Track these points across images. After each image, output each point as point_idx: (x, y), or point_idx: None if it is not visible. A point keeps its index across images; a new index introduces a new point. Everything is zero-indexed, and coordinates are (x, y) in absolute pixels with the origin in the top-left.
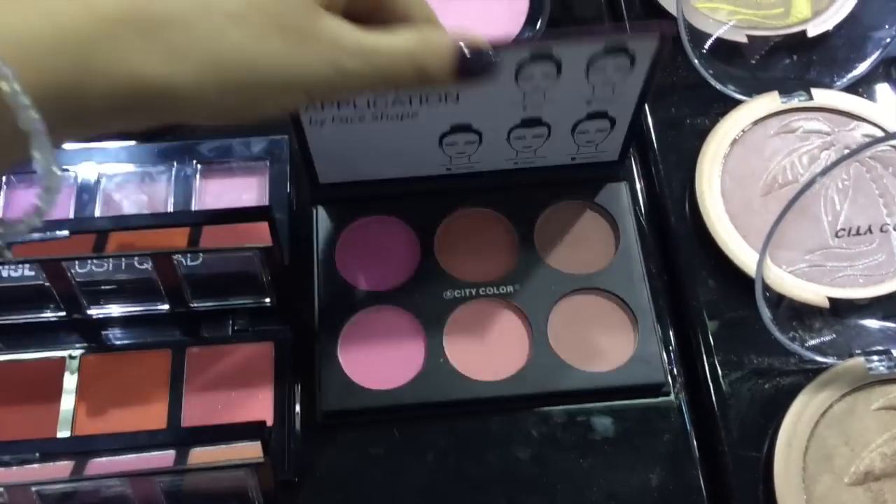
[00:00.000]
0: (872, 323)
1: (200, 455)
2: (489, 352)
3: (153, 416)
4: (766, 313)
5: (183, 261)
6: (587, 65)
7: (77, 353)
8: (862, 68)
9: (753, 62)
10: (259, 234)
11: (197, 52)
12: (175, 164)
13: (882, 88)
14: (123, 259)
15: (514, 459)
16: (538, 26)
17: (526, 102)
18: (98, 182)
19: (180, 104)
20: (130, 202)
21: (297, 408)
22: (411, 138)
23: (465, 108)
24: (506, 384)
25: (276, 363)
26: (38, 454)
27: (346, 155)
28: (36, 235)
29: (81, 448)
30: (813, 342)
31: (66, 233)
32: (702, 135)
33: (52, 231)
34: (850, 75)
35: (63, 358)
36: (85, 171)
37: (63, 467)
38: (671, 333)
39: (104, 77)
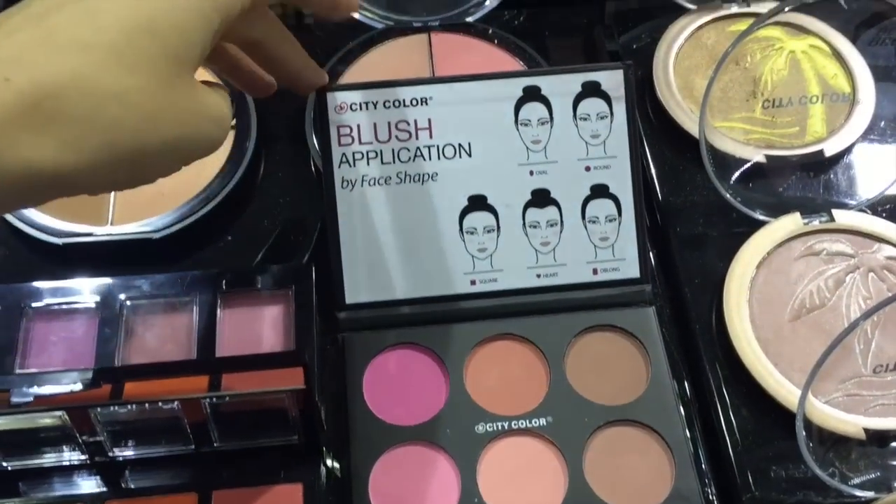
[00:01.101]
0: None
1: None
2: (525, 490)
3: None
4: (806, 452)
5: (209, 401)
6: (573, 107)
7: (100, 498)
8: (881, 188)
9: (772, 182)
10: (290, 376)
11: (90, 140)
12: (198, 293)
13: None
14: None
15: None
16: None
17: (531, 162)
18: (120, 314)
19: (73, 184)
20: (153, 335)
21: None
22: (435, 213)
23: (479, 172)
24: None
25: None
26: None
27: (375, 253)
28: (66, 387)
29: None
30: (852, 476)
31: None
32: (725, 255)
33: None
34: (870, 195)
35: None
36: (107, 304)
37: None
38: (707, 466)
39: (1, 170)
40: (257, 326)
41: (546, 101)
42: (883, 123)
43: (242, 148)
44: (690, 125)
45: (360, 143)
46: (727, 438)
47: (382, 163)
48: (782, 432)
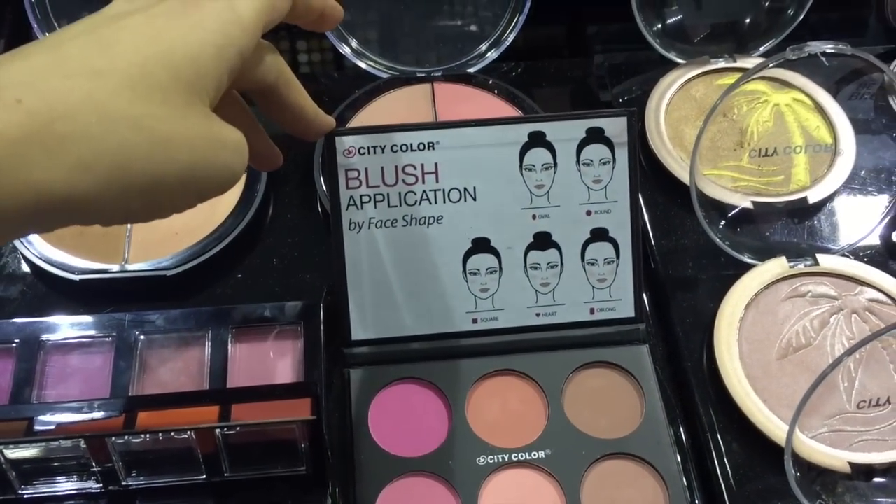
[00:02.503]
0: (893, 485)
1: None
2: None
3: None
4: (794, 483)
5: (221, 431)
6: (577, 153)
7: None
8: (862, 233)
9: (759, 227)
10: (299, 407)
11: (102, 163)
12: (210, 329)
13: (882, 252)
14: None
15: None
16: None
17: (534, 206)
18: (135, 348)
19: (86, 210)
20: (167, 368)
21: None
22: (439, 255)
23: (483, 214)
24: None
25: None
26: None
27: (380, 293)
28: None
29: None
30: None
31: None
32: (715, 296)
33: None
34: (852, 240)
35: None
36: (122, 338)
37: None
38: (699, 499)
39: (10, 193)
40: (267, 360)
41: (550, 147)
42: (863, 173)
43: (253, 190)
44: (681, 172)
45: (368, 186)
46: (719, 472)
47: (389, 206)
48: (771, 466)
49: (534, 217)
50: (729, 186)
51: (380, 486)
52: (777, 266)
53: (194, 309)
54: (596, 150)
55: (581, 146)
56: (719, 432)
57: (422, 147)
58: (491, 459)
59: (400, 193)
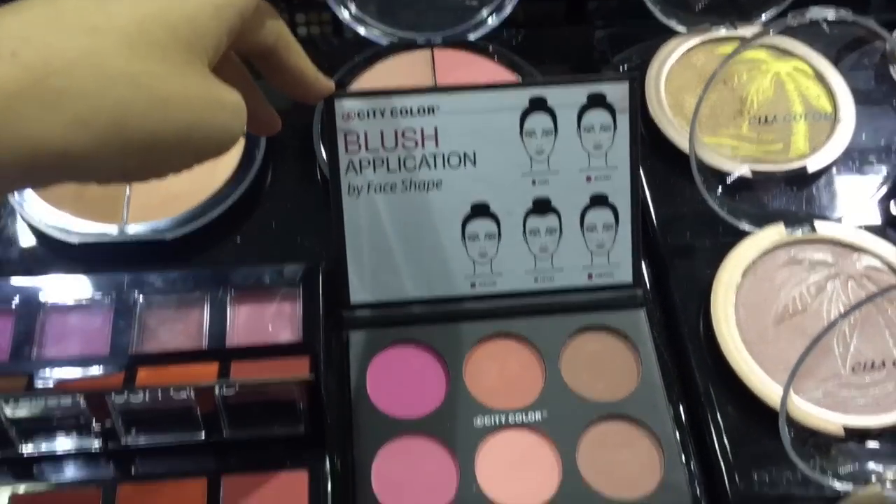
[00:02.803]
0: (886, 450)
1: None
2: (521, 480)
3: None
4: (788, 444)
5: (220, 391)
6: (578, 119)
7: (113, 483)
8: (861, 202)
9: (758, 195)
10: (297, 367)
11: (99, 119)
12: (210, 291)
13: (880, 220)
14: (160, 390)
15: None
16: None
17: (533, 172)
18: (134, 309)
19: (82, 167)
20: (166, 329)
21: None
22: (438, 220)
23: (482, 180)
24: None
25: (311, 490)
26: None
27: (379, 257)
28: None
29: None
30: (831, 469)
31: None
32: (712, 261)
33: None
34: (850, 208)
35: (99, 487)
36: (121, 298)
37: None
38: (694, 459)
39: (5, 147)
40: (266, 323)
41: (551, 112)
42: (863, 142)
43: (252, 155)
44: (681, 141)
45: (367, 150)
46: (714, 434)
47: (388, 170)
48: (766, 429)
49: (533, 183)
50: (728, 154)
51: (377, 446)
52: (775, 233)
53: (193, 271)
54: (597, 116)
55: (582, 112)
56: (715, 396)
57: (422, 111)
58: (488, 421)
59: (399, 158)
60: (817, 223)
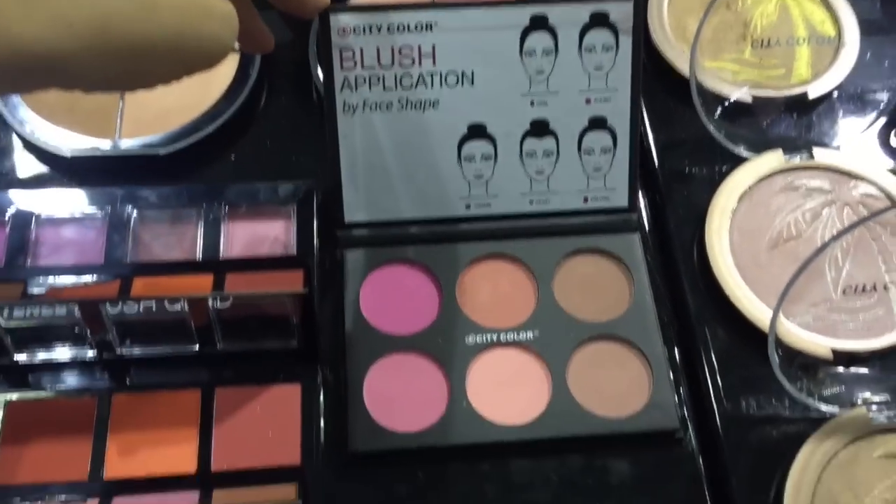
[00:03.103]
0: (874, 374)
1: (235, 496)
2: (510, 396)
3: (183, 454)
4: (776, 365)
5: (214, 303)
6: (579, 38)
7: (108, 392)
8: (861, 129)
9: (758, 120)
10: (291, 280)
11: (82, 18)
12: (203, 206)
13: (879, 148)
14: (154, 301)
15: (534, 502)
16: None
17: (532, 92)
18: (128, 223)
19: (65, 70)
20: (160, 243)
21: (324, 448)
22: (434, 140)
23: (480, 100)
24: (526, 428)
25: (304, 404)
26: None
27: (374, 176)
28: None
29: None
30: (818, 392)
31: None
32: (709, 188)
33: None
34: (849, 136)
35: (94, 396)
36: (115, 212)
37: None
38: (683, 381)
39: None
40: (260, 239)
41: (552, 31)
42: (866, 70)
43: (247, 72)
44: (682, 65)
45: (363, 67)
46: (703, 356)
47: (384, 88)
48: (756, 352)
49: (532, 104)
50: (729, 79)
51: (370, 362)
52: (773, 159)
53: (187, 186)
54: (599, 36)
55: (584, 31)
56: (706, 319)
57: (419, 28)
58: (480, 339)
59: (396, 75)
60: (815, 150)
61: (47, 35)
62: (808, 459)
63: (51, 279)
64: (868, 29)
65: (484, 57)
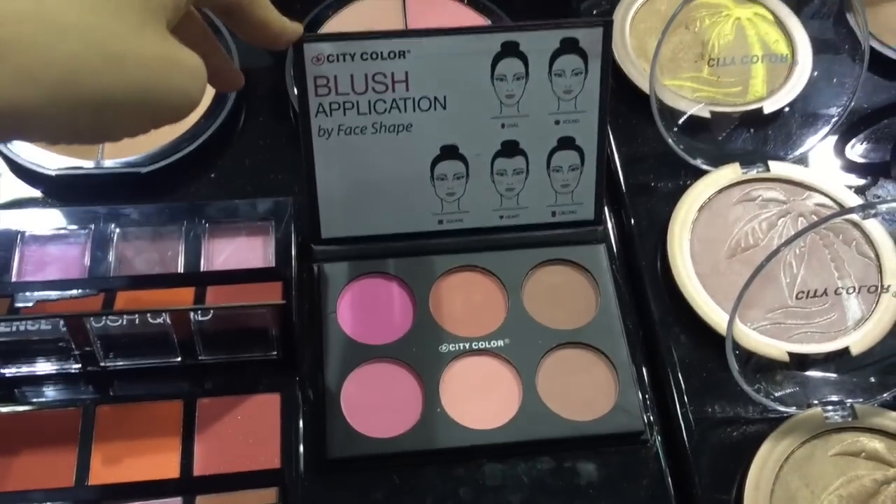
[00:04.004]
0: (828, 376)
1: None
2: (482, 402)
3: (166, 463)
4: (735, 368)
5: (195, 316)
6: (550, 63)
7: (92, 403)
8: (813, 142)
9: (716, 136)
10: (270, 292)
11: (48, 75)
12: (185, 223)
13: (831, 161)
14: (137, 315)
15: (507, 502)
16: None
17: (503, 115)
18: (111, 240)
19: (31, 124)
20: (142, 259)
21: (303, 455)
22: (407, 161)
23: (452, 123)
24: (498, 432)
25: (283, 412)
26: None
27: (349, 196)
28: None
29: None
30: (776, 394)
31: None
32: (670, 200)
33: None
34: (803, 149)
35: (79, 408)
36: (98, 230)
37: None
38: (648, 385)
39: None
40: (240, 255)
41: (523, 57)
42: (818, 87)
43: (225, 94)
44: (644, 84)
45: (337, 93)
46: (666, 360)
47: (359, 113)
48: (716, 355)
49: (503, 126)
50: (689, 97)
51: (347, 371)
52: (731, 172)
53: (168, 204)
54: (569, 61)
55: (554, 57)
56: (669, 325)
57: (392, 55)
58: (452, 347)
59: (370, 101)
60: (771, 163)
61: (12, 89)
62: (766, 458)
63: (37, 294)
64: (820, 48)
65: (456, 82)
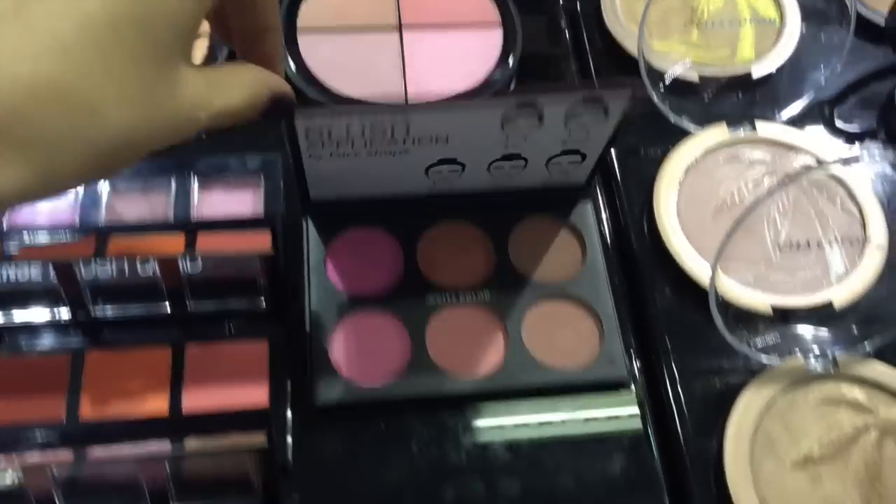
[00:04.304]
0: (810, 328)
1: (206, 442)
2: (468, 351)
3: (155, 410)
4: (718, 319)
5: (185, 265)
6: (566, 115)
7: (82, 350)
8: (800, 105)
9: (705, 98)
10: (259, 241)
11: (63, 168)
12: (174, 177)
13: (817, 122)
14: (126, 262)
15: (490, 448)
16: (510, 61)
17: (508, 143)
18: (101, 194)
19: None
20: (132, 212)
21: (291, 401)
22: (400, 167)
23: (453, 147)
24: (484, 381)
25: (271, 360)
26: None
27: (339, 179)
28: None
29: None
30: (758, 344)
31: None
32: (658, 162)
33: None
34: (790, 111)
35: (68, 355)
36: (88, 186)
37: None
38: (632, 337)
39: None
40: (229, 208)
41: (539, 113)
42: (806, 50)
43: (214, 55)
44: (633, 48)
45: (330, 139)
46: (650, 312)
47: (353, 147)
48: (701, 308)
49: (506, 147)
50: (678, 60)
51: (335, 320)
52: (718, 132)
53: (158, 160)
54: (588, 112)
55: (571, 111)
56: (654, 279)
57: (391, 120)
58: (439, 299)
59: (366, 141)
60: (758, 123)
61: (25, 182)
62: (747, 406)
63: (26, 238)
64: (808, 13)
65: (462, 133)
